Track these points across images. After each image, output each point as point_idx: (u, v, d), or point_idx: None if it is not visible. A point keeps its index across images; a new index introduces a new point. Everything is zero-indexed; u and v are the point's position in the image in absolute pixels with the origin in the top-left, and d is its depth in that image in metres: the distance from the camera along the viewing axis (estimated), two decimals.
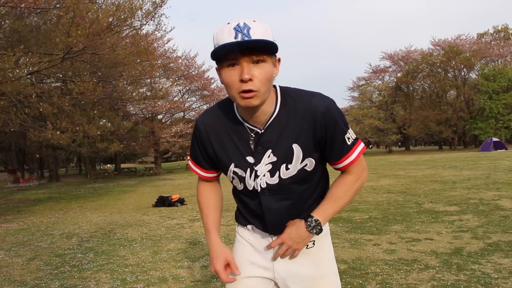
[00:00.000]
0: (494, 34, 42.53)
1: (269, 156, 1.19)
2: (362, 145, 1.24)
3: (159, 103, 24.08)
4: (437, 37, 58.77)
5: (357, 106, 44.92)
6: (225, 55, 1.05)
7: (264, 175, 1.21)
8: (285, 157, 1.19)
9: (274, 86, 1.20)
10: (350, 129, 1.22)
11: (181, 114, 30.89)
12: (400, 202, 7.09)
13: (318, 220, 1.21)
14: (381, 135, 43.32)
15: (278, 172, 1.21)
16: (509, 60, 39.15)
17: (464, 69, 38.41)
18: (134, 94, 18.87)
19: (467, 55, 36.98)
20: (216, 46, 1.05)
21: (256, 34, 1.03)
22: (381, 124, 40.62)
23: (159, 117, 29.29)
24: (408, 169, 15.33)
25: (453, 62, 36.93)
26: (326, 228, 1.36)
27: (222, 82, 1.11)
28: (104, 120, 18.11)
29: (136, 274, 3.82)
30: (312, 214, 1.22)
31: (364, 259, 3.78)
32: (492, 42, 41.04)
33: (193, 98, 31.86)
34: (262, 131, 1.18)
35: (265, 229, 1.31)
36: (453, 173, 12.15)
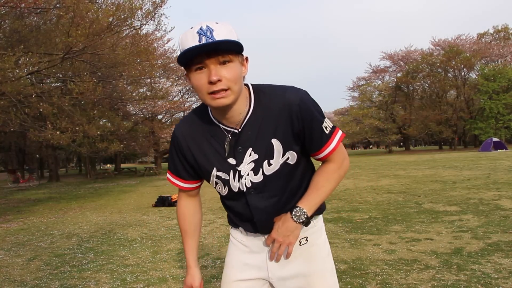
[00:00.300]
0: (494, 34, 42.54)
1: (250, 155, 1.19)
2: (340, 132, 1.24)
3: (159, 103, 24.08)
4: (437, 37, 58.86)
5: (357, 106, 44.94)
6: (191, 60, 1.06)
7: (248, 174, 1.21)
8: (266, 153, 1.19)
9: (246, 85, 1.20)
10: (326, 118, 1.21)
11: (181, 114, 30.87)
12: (400, 202, 7.09)
13: (303, 208, 1.20)
14: (381, 135, 43.35)
15: (261, 169, 1.20)
16: (509, 60, 39.16)
17: (464, 69, 38.42)
18: (134, 94, 18.88)
19: (467, 55, 37.00)
20: (182, 51, 1.05)
21: (220, 35, 1.03)
22: (381, 124, 40.64)
23: (159, 117, 29.31)
24: (408, 169, 15.32)
25: (453, 62, 36.94)
26: (319, 223, 1.35)
27: (192, 87, 1.12)
28: (104, 120, 18.11)
29: (136, 274, 3.82)
30: (297, 205, 1.21)
31: (364, 259, 3.78)
32: (492, 42, 41.05)
33: (193, 98, 31.84)
34: (239, 130, 1.18)
35: (256, 230, 1.30)
36: (453, 173, 12.15)
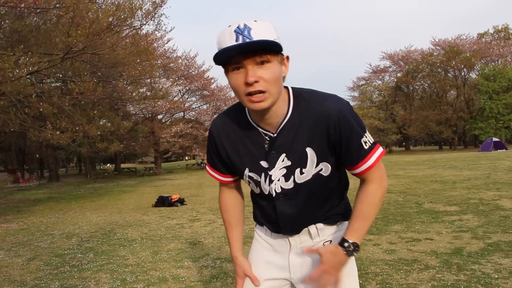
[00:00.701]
0: (494, 34, 42.50)
1: (283, 160, 1.17)
2: (380, 149, 1.18)
3: (159, 103, 24.08)
4: (437, 37, 58.79)
5: (357, 106, 44.89)
6: (228, 59, 1.03)
7: (278, 180, 1.19)
8: (300, 161, 1.16)
9: (286, 88, 1.17)
10: (368, 132, 1.17)
11: (181, 114, 30.91)
12: (400, 202, 7.09)
13: (355, 242, 1.17)
14: (381, 135, 43.29)
15: (292, 176, 1.18)
16: (509, 60, 39.14)
17: (464, 69, 38.40)
18: (134, 94, 18.86)
19: (467, 55, 36.97)
20: (218, 50, 1.03)
21: (258, 34, 1.00)
22: (381, 124, 40.63)
23: (159, 117, 29.31)
24: (408, 169, 15.32)
25: (453, 62, 36.91)
26: (344, 226, 1.34)
27: (230, 87, 1.09)
28: (104, 120, 18.10)
29: (136, 274, 3.82)
30: (346, 238, 1.18)
31: (364, 259, 3.78)
32: (492, 42, 41.01)
33: (193, 98, 31.91)
34: (275, 134, 1.15)
35: (279, 231, 1.31)
36: (453, 173, 12.15)
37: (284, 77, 1.11)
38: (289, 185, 1.20)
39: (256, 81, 1.01)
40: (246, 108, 1.18)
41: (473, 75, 39.76)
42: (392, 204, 6.93)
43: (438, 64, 39.11)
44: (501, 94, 34.66)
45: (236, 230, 1.39)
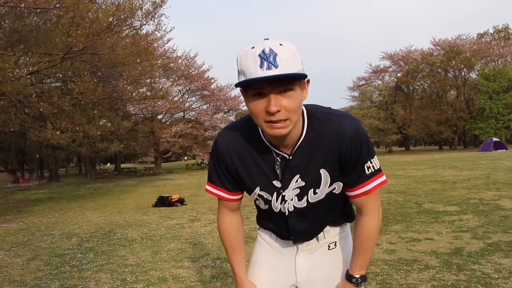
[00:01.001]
0: (494, 34, 42.49)
1: (297, 181, 1.16)
2: (382, 178, 1.17)
3: (159, 103, 24.09)
4: (437, 37, 58.86)
5: (357, 106, 44.92)
6: (250, 86, 0.99)
7: (291, 199, 1.20)
8: (314, 182, 1.16)
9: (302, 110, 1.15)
10: (375, 158, 1.16)
11: (181, 114, 30.91)
12: (400, 202, 7.09)
13: (362, 275, 1.24)
14: (381, 135, 43.31)
15: (306, 196, 1.19)
16: (509, 60, 39.13)
17: (464, 69, 38.39)
18: (134, 94, 18.86)
19: (467, 55, 36.97)
20: (241, 72, 0.99)
21: (283, 61, 0.94)
22: (381, 124, 40.62)
23: (159, 117, 29.31)
24: (408, 169, 15.32)
25: (453, 62, 36.90)
26: (347, 228, 1.37)
27: (247, 107, 1.05)
28: (104, 120, 18.09)
29: (136, 274, 3.82)
30: (352, 274, 1.24)
31: None
32: (492, 42, 41.00)
33: (193, 98, 31.91)
34: (290, 157, 1.13)
35: (286, 239, 1.33)
36: (453, 173, 12.14)
37: (303, 102, 1.08)
38: (302, 204, 1.20)
39: (278, 111, 0.98)
40: (260, 128, 1.15)
41: (473, 75, 39.79)
42: (392, 204, 6.93)
43: (438, 64, 39.11)
44: (501, 94, 34.65)
45: (240, 255, 1.35)
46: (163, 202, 8.95)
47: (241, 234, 1.36)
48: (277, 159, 1.14)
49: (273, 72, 0.93)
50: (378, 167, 1.17)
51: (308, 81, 1.06)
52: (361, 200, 1.18)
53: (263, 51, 0.95)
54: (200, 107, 31.52)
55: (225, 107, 31.61)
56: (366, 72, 46.19)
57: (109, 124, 18.15)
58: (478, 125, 35.98)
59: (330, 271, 1.31)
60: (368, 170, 1.14)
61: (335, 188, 1.19)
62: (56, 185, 20.26)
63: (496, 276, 3.09)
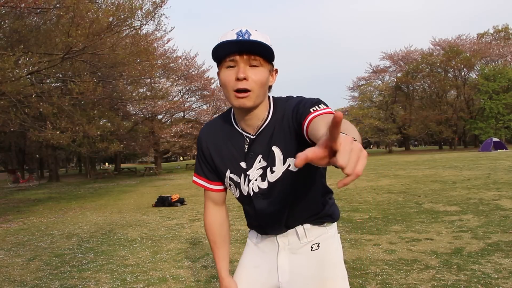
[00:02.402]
0: (494, 34, 42.48)
1: (259, 161, 1.22)
2: (330, 109, 1.03)
3: (159, 103, 24.09)
4: (437, 37, 58.82)
5: (357, 106, 44.92)
6: (224, 57, 1.11)
7: (256, 180, 1.24)
8: (270, 161, 1.21)
9: (269, 97, 1.24)
10: (322, 105, 1.05)
11: (181, 114, 30.91)
12: (400, 202, 7.09)
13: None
14: (381, 135, 43.31)
15: (266, 176, 1.23)
16: (509, 60, 39.13)
17: (464, 69, 38.40)
18: (134, 94, 18.87)
19: (467, 55, 36.97)
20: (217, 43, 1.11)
21: (256, 39, 1.09)
22: (381, 124, 40.62)
23: (159, 117, 29.30)
24: (408, 169, 15.32)
25: (453, 62, 36.91)
26: (332, 230, 1.34)
27: (220, 84, 1.16)
28: (104, 120, 18.10)
29: (136, 274, 3.82)
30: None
31: (364, 259, 3.78)
32: (492, 42, 40.99)
33: (193, 98, 31.90)
34: (254, 136, 1.22)
35: (265, 232, 1.34)
36: (453, 173, 12.14)
37: (270, 87, 1.20)
38: (265, 185, 1.24)
39: (245, 78, 1.09)
40: (232, 113, 1.27)
41: (473, 75, 39.80)
42: (392, 204, 6.93)
43: (438, 64, 39.12)
44: (501, 94, 34.66)
45: (222, 250, 1.41)
46: (163, 202, 8.95)
47: (224, 229, 1.41)
48: (246, 140, 1.24)
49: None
50: (327, 109, 1.03)
51: (276, 70, 1.19)
52: (317, 123, 0.96)
53: (240, 30, 1.10)
54: (200, 107, 31.53)
55: (225, 107, 31.61)
56: (366, 72, 46.24)
57: (109, 124, 18.15)
58: (478, 125, 35.98)
59: (312, 272, 1.29)
60: (314, 107, 1.03)
61: (290, 165, 1.18)
62: (56, 185, 20.26)
63: (496, 276, 3.09)
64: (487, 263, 3.41)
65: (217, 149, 1.29)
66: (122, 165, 38.43)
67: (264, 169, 1.23)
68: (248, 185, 1.26)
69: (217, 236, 1.40)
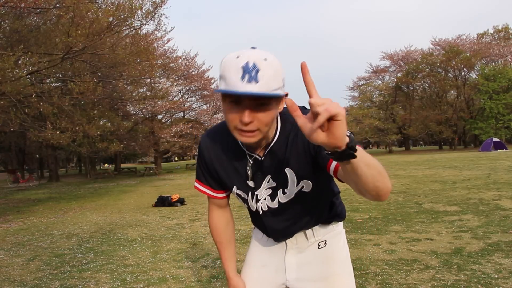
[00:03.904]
0: (494, 34, 42.46)
1: (268, 181, 1.20)
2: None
3: (159, 103, 24.08)
4: (437, 37, 58.80)
5: (357, 106, 44.88)
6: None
7: (265, 199, 1.23)
8: (282, 182, 1.19)
9: None
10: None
11: (181, 114, 30.91)
12: (400, 202, 7.09)
13: (352, 135, 0.86)
14: (381, 135, 43.30)
15: (277, 197, 1.22)
16: (510, 60, 39.10)
17: (464, 69, 38.38)
18: (134, 94, 18.87)
19: (467, 55, 36.96)
20: (222, 78, 1.00)
21: (265, 77, 0.95)
22: (381, 124, 40.61)
23: (159, 117, 29.30)
24: (408, 169, 15.32)
25: (453, 62, 36.90)
26: (338, 228, 1.37)
27: (223, 111, 1.07)
28: (104, 120, 18.10)
29: (136, 274, 3.82)
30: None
31: (364, 259, 3.78)
32: (493, 42, 40.97)
33: (193, 98, 31.90)
34: (262, 158, 1.17)
35: (274, 239, 1.36)
36: (453, 173, 12.14)
37: (277, 114, 1.11)
38: (275, 204, 1.23)
39: (251, 122, 1.00)
40: None
41: (473, 75, 39.77)
42: (392, 204, 6.93)
43: (438, 64, 39.10)
44: (501, 94, 34.64)
45: (229, 250, 1.40)
46: (163, 202, 8.95)
47: (229, 229, 1.41)
48: (249, 161, 1.19)
49: (252, 87, 0.94)
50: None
51: (286, 94, 1.06)
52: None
53: (246, 64, 0.95)
54: (200, 107, 31.53)
55: None
56: (366, 72, 46.28)
57: (109, 124, 18.15)
58: (478, 125, 35.97)
59: (320, 269, 1.31)
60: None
61: (303, 186, 1.18)
62: (56, 185, 20.26)
63: (496, 276, 3.09)
64: (487, 263, 3.41)
65: (221, 162, 1.25)
66: (122, 165, 38.42)
67: (274, 189, 1.21)
68: (256, 203, 1.25)
69: (223, 237, 1.39)
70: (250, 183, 1.22)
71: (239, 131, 1.04)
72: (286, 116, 1.16)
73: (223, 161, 1.24)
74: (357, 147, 0.87)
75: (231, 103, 1.01)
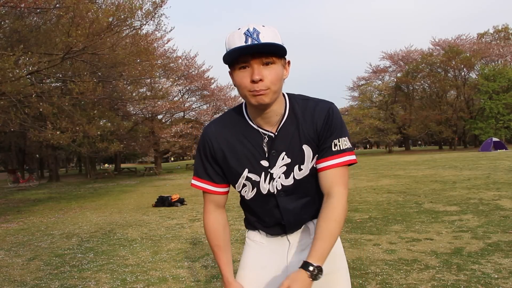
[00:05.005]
0: (494, 34, 42.49)
1: (283, 159, 1.22)
2: (352, 156, 1.22)
3: (159, 103, 24.09)
4: (437, 37, 58.80)
5: (357, 106, 44.89)
6: (236, 59, 1.10)
7: (279, 177, 1.24)
8: (298, 158, 1.22)
9: (283, 94, 1.24)
10: (345, 139, 1.22)
11: (181, 114, 30.91)
12: (400, 202, 7.09)
13: (319, 266, 1.09)
14: (381, 135, 43.32)
15: (292, 173, 1.23)
16: (509, 60, 39.12)
17: (464, 69, 38.38)
18: (134, 94, 18.86)
19: (467, 55, 36.96)
20: (228, 50, 1.10)
21: (265, 38, 1.08)
22: (381, 124, 40.62)
23: (159, 117, 29.31)
24: (408, 169, 15.32)
25: (453, 62, 36.89)
26: None
27: (234, 84, 1.15)
28: (104, 120, 18.10)
29: (136, 274, 3.82)
30: (310, 261, 1.09)
31: (364, 259, 3.78)
32: (492, 42, 41.01)
33: (193, 98, 31.91)
34: (276, 134, 1.21)
35: (284, 231, 1.32)
36: (453, 173, 12.14)
37: (284, 80, 1.18)
38: (289, 181, 1.24)
39: (261, 80, 1.08)
40: (245, 110, 1.25)
41: (473, 75, 39.77)
42: (392, 204, 6.93)
43: (438, 64, 39.09)
44: (501, 94, 34.64)
45: (226, 254, 1.35)
46: (163, 202, 8.96)
47: (227, 232, 1.37)
48: (264, 137, 1.22)
49: (257, 45, 1.06)
50: (346, 147, 1.22)
51: (289, 62, 1.19)
52: (327, 177, 1.20)
53: (247, 30, 1.08)
54: (200, 107, 31.54)
55: (225, 107, 31.60)
56: (366, 72, 46.23)
57: (109, 124, 18.16)
58: (478, 125, 35.97)
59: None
60: (334, 148, 1.20)
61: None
62: (56, 185, 20.26)
63: (496, 276, 3.09)
64: (487, 263, 3.41)
65: (231, 148, 1.24)
66: (122, 165, 38.42)
67: (289, 166, 1.22)
68: (270, 183, 1.24)
69: (221, 240, 1.34)
70: (264, 163, 1.22)
71: (252, 93, 1.11)
72: (293, 96, 1.25)
73: (233, 145, 1.24)
74: (320, 260, 1.10)
75: (241, 69, 1.11)
